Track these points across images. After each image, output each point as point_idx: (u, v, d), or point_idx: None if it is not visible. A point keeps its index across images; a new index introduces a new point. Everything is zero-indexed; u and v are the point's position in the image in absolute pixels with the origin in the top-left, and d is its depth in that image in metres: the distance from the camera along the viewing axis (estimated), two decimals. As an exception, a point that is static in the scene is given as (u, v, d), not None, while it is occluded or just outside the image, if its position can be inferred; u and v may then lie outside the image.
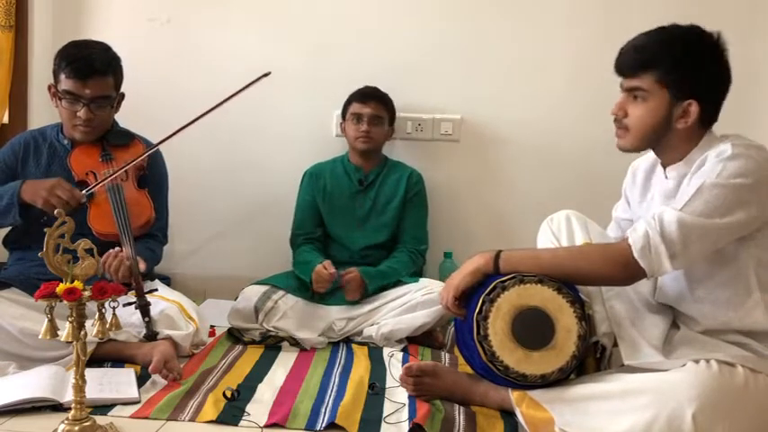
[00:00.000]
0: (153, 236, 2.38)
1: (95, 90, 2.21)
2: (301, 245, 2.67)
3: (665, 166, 1.75)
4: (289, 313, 2.40)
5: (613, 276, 1.65)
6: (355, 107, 2.69)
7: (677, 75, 1.63)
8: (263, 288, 2.46)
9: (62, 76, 2.21)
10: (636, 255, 1.58)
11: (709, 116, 1.67)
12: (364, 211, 2.70)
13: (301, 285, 2.52)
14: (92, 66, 2.20)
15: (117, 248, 2.12)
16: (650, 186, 1.85)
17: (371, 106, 2.66)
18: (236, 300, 2.47)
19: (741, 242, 1.61)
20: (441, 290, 1.84)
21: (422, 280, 2.50)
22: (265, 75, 2.30)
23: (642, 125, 1.68)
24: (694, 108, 1.64)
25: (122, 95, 2.35)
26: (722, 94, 1.68)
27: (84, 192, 2.13)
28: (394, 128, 2.77)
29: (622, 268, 1.61)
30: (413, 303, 2.39)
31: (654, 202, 1.81)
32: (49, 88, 2.29)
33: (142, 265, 2.13)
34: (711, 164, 1.59)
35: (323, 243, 2.72)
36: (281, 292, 2.46)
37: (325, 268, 2.44)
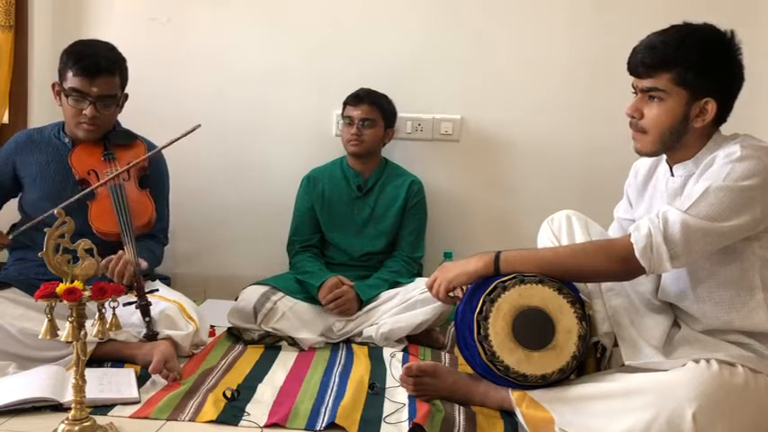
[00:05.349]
0: (153, 236, 2.37)
1: (102, 89, 2.22)
2: (298, 253, 2.66)
3: (671, 164, 1.74)
4: (288, 314, 2.40)
5: (612, 271, 1.65)
6: (347, 110, 2.69)
7: (696, 73, 1.61)
8: (263, 288, 2.45)
9: (69, 74, 2.21)
10: (637, 253, 1.58)
11: (723, 114, 1.67)
12: (363, 217, 2.68)
13: (302, 287, 2.52)
14: (99, 64, 2.21)
15: (120, 252, 2.11)
16: (650, 184, 1.85)
17: (362, 109, 2.64)
18: (236, 300, 2.47)
19: (746, 242, 1.61)
20: (431, 278, 1.82)
21: (418, 279, 2.50)
22: (196, 127, 2.21)
23: (660, 126, 1.66)
24: (712, 106, 1.63)
25: (126, 96, 2.35)
26: (737, 92, 1.67)
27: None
28: (394, 130, 2.75)
29: (622, 264, 1.61)
30: (411, 302, 2.39)
31: (655, 200, 1.81)
32: (53, 86, 2.29)
33: (144, 264, 2.14)
34: (719, 165, 1.58)
35: (320, 248, 2.71)
36: (279, 294, 2.45)
37: (341, 282, 2.49)
